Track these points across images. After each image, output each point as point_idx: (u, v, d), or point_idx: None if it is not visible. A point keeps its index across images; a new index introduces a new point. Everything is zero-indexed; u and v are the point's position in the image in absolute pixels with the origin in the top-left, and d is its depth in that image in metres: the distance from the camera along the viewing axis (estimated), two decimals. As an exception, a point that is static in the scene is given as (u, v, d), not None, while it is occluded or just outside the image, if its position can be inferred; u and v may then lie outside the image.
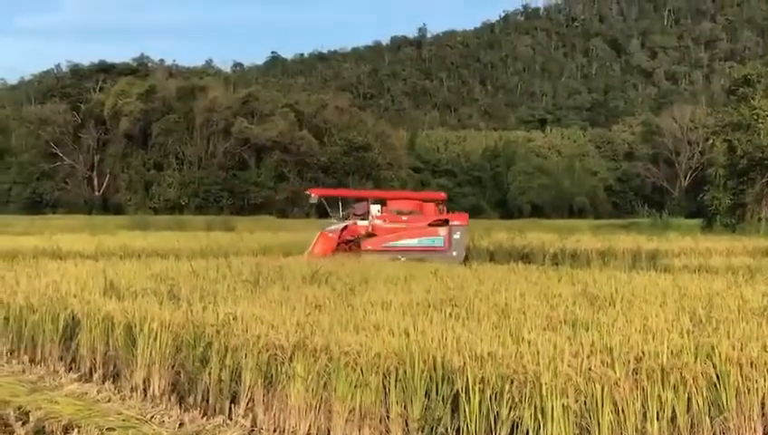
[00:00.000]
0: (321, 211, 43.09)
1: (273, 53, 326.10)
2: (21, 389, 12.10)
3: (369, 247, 34.30)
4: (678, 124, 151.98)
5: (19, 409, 10.91)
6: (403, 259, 30.51)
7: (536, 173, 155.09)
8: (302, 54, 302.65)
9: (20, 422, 10.28)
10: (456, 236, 36.16)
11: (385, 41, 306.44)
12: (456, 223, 36.77)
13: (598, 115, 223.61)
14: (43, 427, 10.03)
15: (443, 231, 36.07)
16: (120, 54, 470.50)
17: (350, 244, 34.85)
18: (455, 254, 35.16)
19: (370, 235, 35.43)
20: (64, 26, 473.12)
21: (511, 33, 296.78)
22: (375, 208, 36.22)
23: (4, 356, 14.76)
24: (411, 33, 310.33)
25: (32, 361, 14.23)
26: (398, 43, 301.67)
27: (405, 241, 35.29)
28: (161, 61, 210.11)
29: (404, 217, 36.81)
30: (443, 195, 43.94)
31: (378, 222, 36.07)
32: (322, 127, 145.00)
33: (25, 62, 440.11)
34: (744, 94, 75.22)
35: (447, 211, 39.17)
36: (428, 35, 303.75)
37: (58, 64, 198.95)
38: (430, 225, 36.57)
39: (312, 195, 39.37)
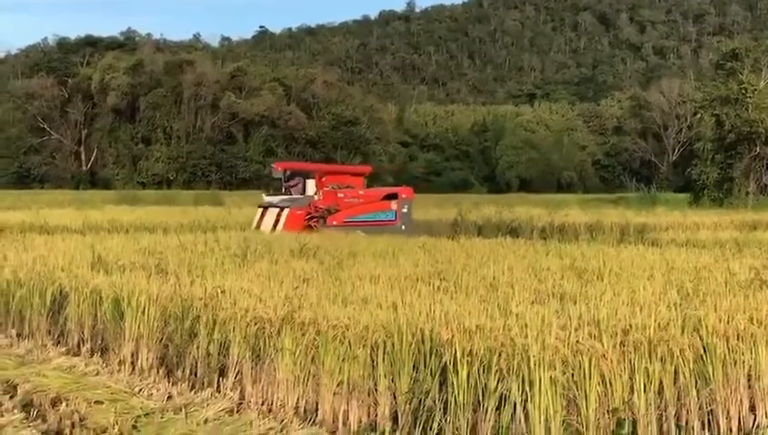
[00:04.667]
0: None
1: (261, 27, 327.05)
2: (9, 362, 12.09)
3: (335, 223, 34.45)
4: (667, 98, 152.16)
5: (7, 382, 10.91)
6: (361, 233, 30.26)
7: (524, 148, 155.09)
8: (290, 29, 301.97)
9: (8, 395, 10.27)
10: (405, 209, 36.60)
11: (373, 15, 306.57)
12: (403, 196, 37.25)
13: (586, 89, 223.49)
14: (31, 400, 10.02)
15: (394, 205, 36.50)
16: (107, 29, 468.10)
17: (315, 219, 34.89)
18: (403, 227, 35.30)
19: (335, 210, 35.55)
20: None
21: (499, 7, 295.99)
22: (310, 184, 36.21)
23: (-8, 330, 14.75)
24: (400, 7, 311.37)
25: (19, 335, 14.21)
26: (387, 18, 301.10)
27: (363, 215, 35.58)
28: (149, 35, 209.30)
29: (361, 192, 37.43)
30: (369, 169, 44.55)
31: (340, 196, 36.33)
32: (311, 101, 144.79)
33: (12, 37, 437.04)
34: (732, 69, 75.39)
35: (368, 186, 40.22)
36: (417, 10, 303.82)
37: (45, 38, 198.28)
38: (383, 199, 37.07)
39: (278, 169, 39.15)
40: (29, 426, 9.04)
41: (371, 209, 36.21)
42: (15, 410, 9.55)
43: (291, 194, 36.30)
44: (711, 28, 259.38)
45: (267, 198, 36.63)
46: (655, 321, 8.88)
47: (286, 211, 34.43)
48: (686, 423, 8.56)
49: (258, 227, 33.99)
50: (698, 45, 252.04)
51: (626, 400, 8.23)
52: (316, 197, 35.79)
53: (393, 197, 37.19)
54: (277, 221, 34.10)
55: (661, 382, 8.43)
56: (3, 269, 15.52)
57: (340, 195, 36.30)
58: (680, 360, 8.52)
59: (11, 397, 10.20)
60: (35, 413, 9.49)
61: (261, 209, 35.54)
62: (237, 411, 9.59)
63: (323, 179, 36.81)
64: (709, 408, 8.70)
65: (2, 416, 9.38)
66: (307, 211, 34.99)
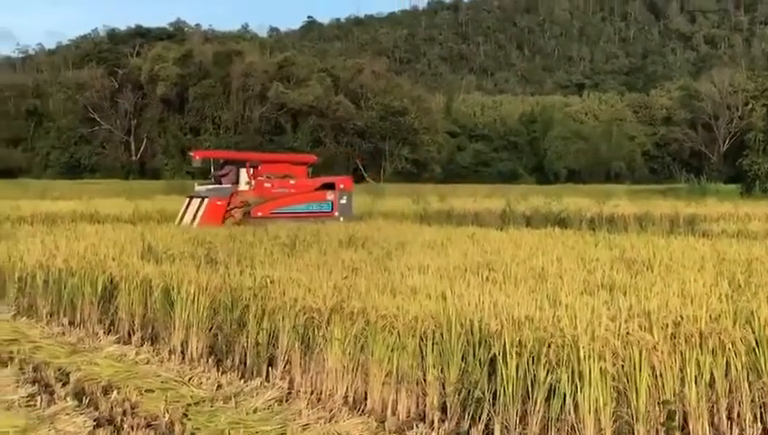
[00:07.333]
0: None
1: (309, 17, 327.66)
2: (61, 350, 12.21)
3: (260, 214, 33.12)
4: (717, 89, 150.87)
5: (59, 370, 11.03)
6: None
7: (573, 138, 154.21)
8: (338, 19, 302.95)
9: (60, 383, 10.38)
10: (343, 200, 35.52)
11: (421, 5, 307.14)
12: (341, 187, 36.11)
13: (636, 80, 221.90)
14: (83, 388, 10.12)
15: (330, 195, 35.45)
16: (157, 19, 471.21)
17: (236, 210, 33.57)
18: (341, 219, 33.68)
19: (264, 201, 34.17)
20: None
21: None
22: (244, 173, 34.66)
23: (45, 318, 14.88)
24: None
25: (71, 323, 14.34)
26: (435, 8, 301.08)
27: (294, 206, 34.44)
28: (197, 25, 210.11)
29: (292, 182, 35.73)
30: (313, 158, 42.62)
31: (267, 186, 34.84)
32: (359, 91, 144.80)
33: (63, 27, 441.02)
34: (784, 58, 74.37)
35: (314, 175, 38.71)
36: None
37: (95, 29, 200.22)
38: (318, 189, 35.86)
39: (196, 157, 38.09)
40: (81, 413, 9.12)
41: (304, 200, 35.00)
42: (68, 398, 9.65)
43: (221, 184, 34.68)
44: (763, 17, 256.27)
45: (197, 188, 34.83)
46: (706, 313, 8.80)
47: (205, 202, 32.76)
48: (738, 416, 8.49)
49: (181, 220, 31.95)
50: (750, 34, 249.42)
51: (677, 392, 8.18)
52: (247, 187, 34.35)
53: (330, 187, 35.99)
54: (198, 212, 32.51)
55: (712, 375, 8.36)
56: (55, 258, 15.66)
57: (267, 185, 34.73)
58: (732, 352, 8.44)
59: (63, 384, 10.31)
60: (87, 401, 9.58)
61: (187, 200, 33.61)
62: (286, 401, 9.62)
63: (259, 168, 35.22)
64: (762, 401, 8.62)
65: (55, 403, 9.48)
66: (228, 201, 33.37)
